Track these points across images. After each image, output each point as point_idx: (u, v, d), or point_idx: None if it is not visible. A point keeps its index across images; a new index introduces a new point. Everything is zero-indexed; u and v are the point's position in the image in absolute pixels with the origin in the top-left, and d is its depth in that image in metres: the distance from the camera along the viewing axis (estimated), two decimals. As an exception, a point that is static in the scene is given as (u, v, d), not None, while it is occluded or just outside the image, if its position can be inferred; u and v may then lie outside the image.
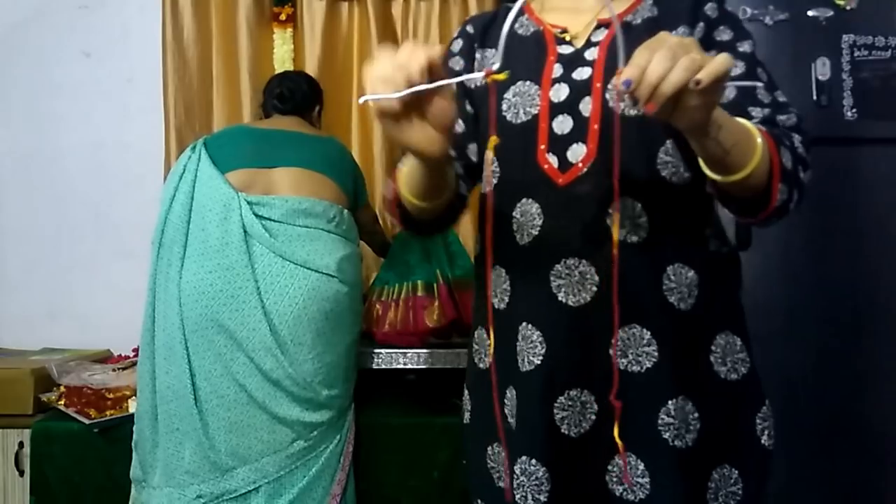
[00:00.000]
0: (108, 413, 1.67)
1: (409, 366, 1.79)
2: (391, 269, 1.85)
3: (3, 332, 2.22)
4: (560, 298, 0.87)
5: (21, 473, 1.74)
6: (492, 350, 0.94)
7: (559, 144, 0.88)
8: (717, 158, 0.75)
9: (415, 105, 0.68)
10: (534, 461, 0.88)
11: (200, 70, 2.23)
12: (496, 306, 0.94)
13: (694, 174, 0.85)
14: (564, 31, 0.95)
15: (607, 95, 0.87)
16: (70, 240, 2.26)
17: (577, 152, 0.87)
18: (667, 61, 0.62)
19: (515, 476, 0.89)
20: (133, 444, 1.53)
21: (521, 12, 1.02)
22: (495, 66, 0.70)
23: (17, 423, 1.75)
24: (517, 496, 0.88)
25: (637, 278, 0.85)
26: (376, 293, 1.85)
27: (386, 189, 0.98)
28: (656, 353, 0.85)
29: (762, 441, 0.90)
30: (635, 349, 0.86)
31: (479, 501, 0.97)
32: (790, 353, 1.75)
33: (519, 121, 0.91)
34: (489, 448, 0.94)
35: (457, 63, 1.02)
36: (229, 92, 2.22)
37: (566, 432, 0.87)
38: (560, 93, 0.90)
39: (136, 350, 2.06)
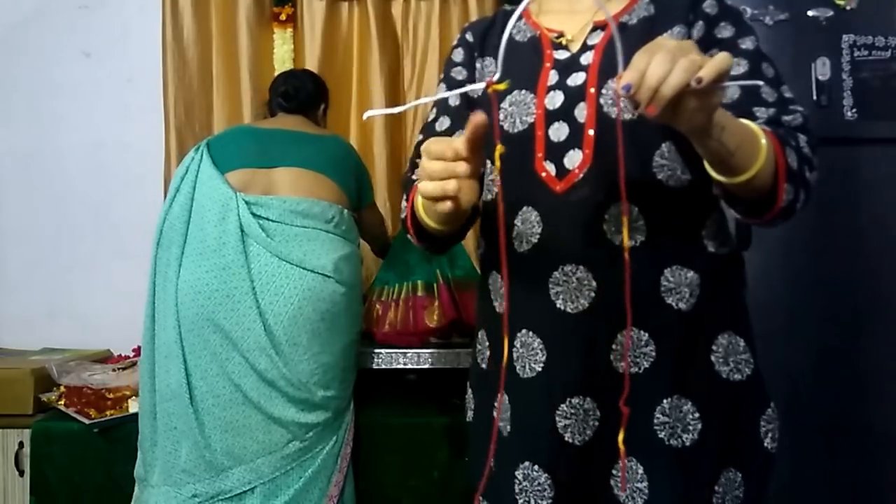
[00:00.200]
0: (108, 413, 1.67)
1: (409, 366, 1.78)
2: (391, 269, 1.85)
3: (3, 332, 2.22)
4: (559, 306, 0.87)
5: (21, 473, 1.74)
6: (488, 355, 0.95)
7: (556, 152, 0.88)
8: (722, 160, 0.75)
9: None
10: (536, 467, 0.88)
11: (200, 70, 2.23)
12: (497, 311, 0.95)
13: (692, 176, 0.85)
14: (561, 35, 0.95)
15: (601, 100, 0.87)
16: (70, 240, 2.26)
17: (574, 159, 0.87)
18: (666, 63, 0.62)
19: (518, 481, 0.89)
20: (138, 443, 1.53)
21: (492, 24, 1.03)
22: (496, 77, 0.71)
23: (17, 423, 1.75)
24: (520, 501, 0.88)
25: (635, 281, 0.83)
26: (376, 293, 1.85)
27: (402, 207, 1.00)
28: (654, 354, 0.85)
29: (765, 444, 0.89)
30: (634, 351, 0.86)
31: (482, 500, 0.97)
32: (791, 352, 1.75)
33: (516, 130, 0.91)
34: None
35: (459, 73, 1.02)
36: (229, 92, 2.22)
37: (570, 440, 0.87)
38: (555, 100, 0.90)
39: (136, 350, 2.06)
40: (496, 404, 0.92)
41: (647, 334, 0.86)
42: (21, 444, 1.74)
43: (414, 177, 1.01)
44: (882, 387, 1.80)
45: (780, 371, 1.53)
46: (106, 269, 2.25)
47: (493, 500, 0.94)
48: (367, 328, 1.77)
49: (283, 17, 2.23)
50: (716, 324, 0.88)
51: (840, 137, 1.78)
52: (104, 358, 2.05)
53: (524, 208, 0.90)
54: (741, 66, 0.87)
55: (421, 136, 1.04)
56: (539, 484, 0.88)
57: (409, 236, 1.01)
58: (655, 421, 0.85)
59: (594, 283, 0.86)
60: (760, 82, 0.78)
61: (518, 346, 0.90)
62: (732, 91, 0.86)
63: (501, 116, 0.92)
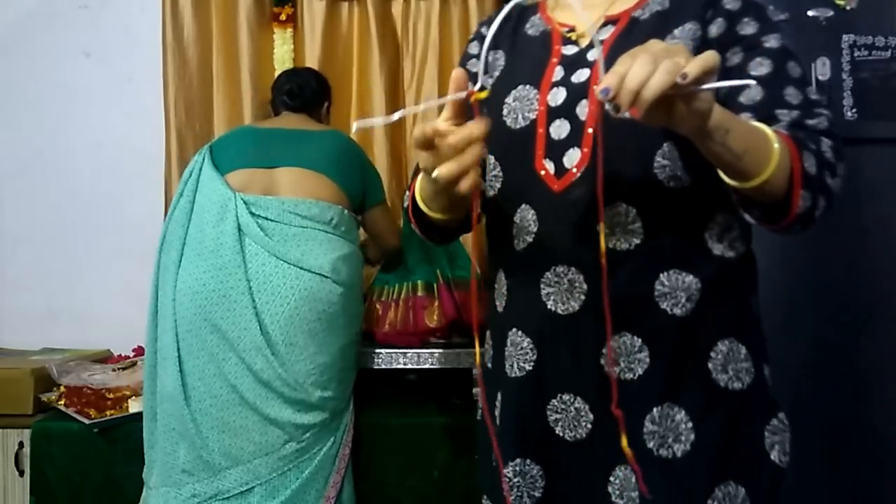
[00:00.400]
0: (108, 413, 1.67)
1: (409, 366, 1.78)
2: (391, 269, 1.86)
3: (3, 332, 2.22)
4: (549, 306, 0.86)
5: (21, 473, 1.74)
6: (478, 352, 0.94)
7: (556, 150, 0.87)
8: (729, 164, 0.73)
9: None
10: (528, 461, 0.88)
11: (200, 70, 2.23)
12: (498, 309, 0.94)
13: (694, 177, 0.82)
14: (572, 29, 0.92)
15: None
16: (70, 240, 2.26)
17: (573, 157, 0.85)
18: (647, 66, 0.61)
19: (508, 479, 0.88)
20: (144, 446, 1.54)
21: (508, 17, 1.02)
22: (477, 86, 0.70)
23: (17, 423, 1.75)
24: (512, 498, 0.88)
25: (627, 286, 0.83)
26: (376, 293, 1.85)
27: (405, 198, 0.99)
28: (648, 360, 0.83)
29: (772, 457, 0.85)
30: (627, 357, 0.83)
31: (486, 499, 0.97)
32: (791, 352, 1.75)
33: (518, 126, 0.90)
34: None
35: (473, 66, 1.00)
36: (229, 92, 2.22)
37: (561, 434, 0.86)
38: (558, 97, 0.88)
39: (136, 350, 2.07)
40: (496, 403, 0.92)
41: (640, 340, 0.83)
42: (21, 444, 1.74)
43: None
44: (883, 387, 1.80)
45: (779, 371, 1.53)
46: (106, 269, 2.25)
47: (491, 498, 0.94)
48: (367, 328, 1.77)
49: (283, 17, 2.23)
50: (716, 330, 0.85)
51: (840, 137, 1.78)
52: (104, 358, 2.05)
53: (522, 206, 0.89)
54: (764, 66, 0.83)
55: None
56: (531, 476, 0.88)
57: (412, 227, 0.99)
58: (644, 430, 0.83)
59: (585, 286, 0.84)
60: (752, 82, 0.72)
61: (509, 344, 0.90)
62: (754, 92, 0.82)
63: (505, 111, 0.91)
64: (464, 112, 0.71)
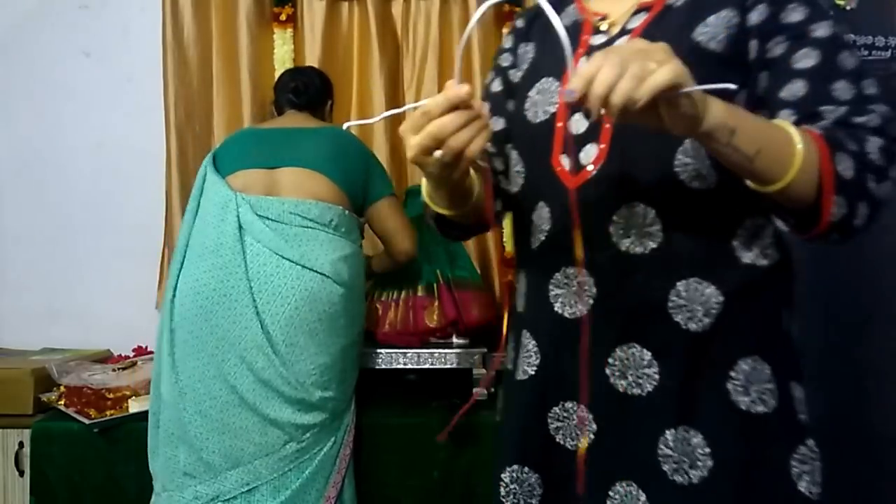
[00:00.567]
0: (108, 413, 1.67)
1: (409, 366, 1.78)
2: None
3: (3, 332, 2.22)
4: (556, 309, 0.83)
5: (21, 473, 1.74)
6: (513, 356, 0.92)
7: (574, 145, 0.83)
8: (740, 166, 0.68)
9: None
10: (526, 469, 0.86)
11: (200, 70, 2.22)
12: (517, 310, 0.92)
13: (721, 177, 0.76)
14: (604, 17, 0.87)
15: None
16: (70, 240, 2.26)
17: (590, 153, 0.81)
18: (615, 69, 0.58)
19: (504, 484, 0.87)
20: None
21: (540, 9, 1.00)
22: (454, 83, 0.68)
23: (17, 423, 1.74)
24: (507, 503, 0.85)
25: (638, 293, 0.78)
26: (376, 293, 1.85)
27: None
28: (657, 376, 0.77)
29: (800, 487, 0.78)
30: (635, 371, 0.78)
31: None
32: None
33: (538, 120, 0.87)
34: None
35: (505, 60, 0.98)
36: (229, 92, 2.22)
37: (562, 443, 0.84)
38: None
39: (136, 350, 2.07)
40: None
41: (649, 354, 0.78)
42: (21, 444, 1.74)
43: None
44: (882, 387, 1.80)
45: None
46: (106, 269, 2.24)
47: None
48: (368, 328, 1.76)
49: (283, 17, 2.22)
50: (737, 347, 0.78)
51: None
52: (104, 358, 2.05)
53: (539, 203, 0.86)
54: (811, 58, 0.75)
55: None
56: (529, 484, 0.86)
57: (430, 223, 0.98)
58: (659, 453, 0.77)
59: (595, 290, 0.80)
60: (731, 86, 0.63)
61: (521, 346, 0.89)
62: (797, 87, 0.74)
63: (527, 105, 0.88)
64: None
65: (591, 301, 0.80)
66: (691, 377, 0.77)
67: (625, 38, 0.82)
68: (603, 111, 0.61)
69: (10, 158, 2.27)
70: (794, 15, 0.77)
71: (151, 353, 2.05)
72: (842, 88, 0.74)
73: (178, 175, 2.20)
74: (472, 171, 0.86)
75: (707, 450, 0.76)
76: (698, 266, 0.77)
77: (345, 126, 0.74)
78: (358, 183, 1.64)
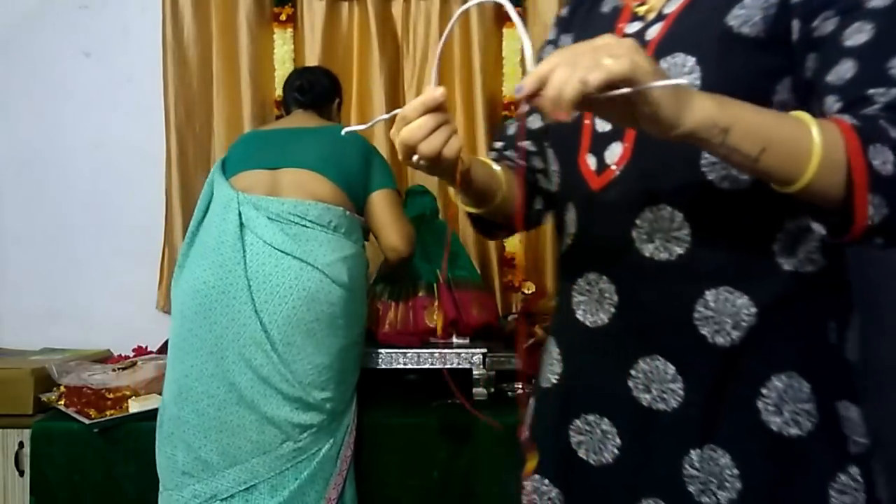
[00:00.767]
0: (108, 413, 1.67)
1: (409, 366, 1.78)
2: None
3: (3, 332, 2.22)
4: (577, 316, 0.80)
5: (21, 473, 1.74)
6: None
7: (599, 144, 0.78)
8: (743, 167, 0.63)
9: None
10: (546, 481, 0.83)
11: (200, 70, 2.23)
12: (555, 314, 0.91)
13: (755, 177, 0.69)
14: (643, 3, 0.81)
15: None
16: (70, 240, 2.26)
17: (615, 152, 0.77)
18: (566, 68, 0.55)
19: (527, 493, 0.84)
20: None
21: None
22: (432, 86, 0.67)
23: (17, 423, 1.74)
24: None
25: (662, 303, 0.73)
26: (377, 293, 1.85)
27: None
28: (682, 392, 0.72)
29: None
30: (659, 385, 0.73)
31: None
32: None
33: (539, 125, 0.85)
34: None
35: (548, 52, 0.91)
36: (229, 92, 2.22)
37: (584, 458, 0.80)
38: None
39: (136, 350, 2.07)
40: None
41: (673, 368, 0.73)
42: (21, 444, 1.74)
43: (498, 144, 0.97)
44: (882, 387, 1.80)
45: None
46: (106, 269, 2.25)
47: None
48: (368, 328, 1.76)
49: (283, 17, 2.23)
50: (772, 362, 0.71)
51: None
52: (104, 358, 2.05)
53: (567, 204, 0.83)
54: (864, 33, 0.65)
55: (508, 122, 1.00)
56: (549, 499, 0.83)
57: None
58: (684, 473, 0.73)
59: (616, 298, 0.76)
60: (682, 81, 0.58)
61: (547, 352, 0.87)
62: (845, 69, 0.65)
63: None
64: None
65: (612, 310, 0.76)
66: (718, 394, 0.72)
67: (660, 25, 0.76)
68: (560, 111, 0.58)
69: (10, 158, 2.27)
70: None
71: (151, 353, 2.05)
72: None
73: (177, 175, 2.21)
74: (496, 169, 0.85)
75: (736, 471, 0.71)
76: (730, 274, 0.71)
77: (343, 132, 0.74)
78: (358, 181, 1.63)
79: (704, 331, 0.71)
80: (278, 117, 2.21)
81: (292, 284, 1.45)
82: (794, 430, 0.70)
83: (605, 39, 0.58)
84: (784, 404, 0.70)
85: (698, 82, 0.69)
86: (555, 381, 0.84)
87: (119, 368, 1.84)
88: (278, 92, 2.22)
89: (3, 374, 1.81)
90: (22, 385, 1.78)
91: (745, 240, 0.71)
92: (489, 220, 0.90)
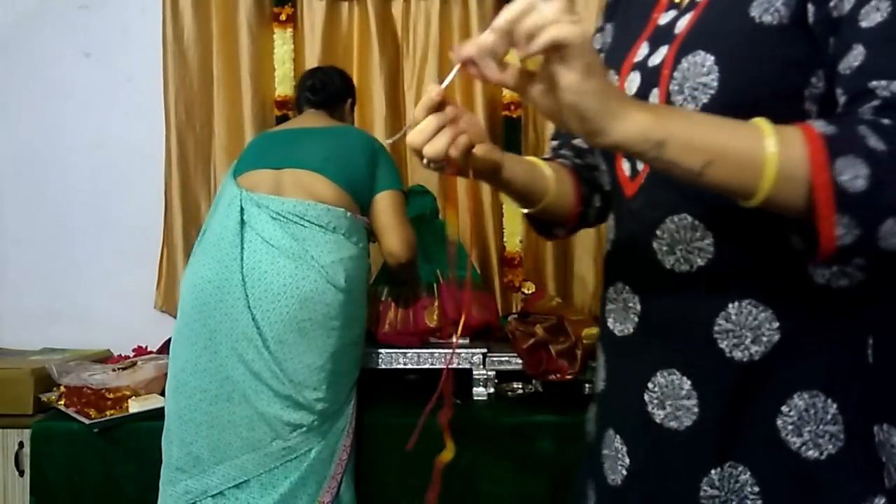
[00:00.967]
0: (108, 413, 1.67)
1: (409, 366, 1.78)
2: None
3: (3, 332, 2.22)
4: (609, 324, 0.78)
5: (21, 473, 1.74)
6: None
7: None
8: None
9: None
10: (589, 490, 0.83)
11: (200, 70, 2.23)
12: None
13: None
14: None
15: (672, 84, 0.68)
16: (70, 240, 2.26)
17: None
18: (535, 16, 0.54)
19: (575, 497, 0.85)
20: None
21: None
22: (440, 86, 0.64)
23: (17, 423, 1.74)
24: None
25: (681, 316, 0.70)
26: (377, 293, 1.85)
27: None
28: (697, 410, 0.69)
29: None
30: (674, 401, 0.70)
31: None
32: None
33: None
34: None
35: (598, 42, 0.89)
36: (229, 92, 2.22)
37: (605, 476, 0.78)
38: (632, 85, 0.74)
39: (136, 350, 2.07)
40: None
41: (689, 383, 0.69)
42: (21, 444, 1.74)
43: (554, 143, 0.95)
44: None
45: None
46: (106, 269, 2.25)
47: None
48: (368, 328, 1.76)
49: (283, 17, 2.23)
50: (795, 379, 0.66)
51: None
52: (104, 358, 2.05)
53: (612, 208, 0.82)
54: (880, 12, 0.58)
55: None
56: None
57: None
58: (702, 494, 0.68)
59: (639, 308, 0.73)
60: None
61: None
62: (853, 56, 0.59)
63: None
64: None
65: (636, 319, 0.74)
66: (736, 410, 0.67)
67: (689, 15, 0.71)
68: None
69: (10, 158, 2.27)
70: None
71: (151, 353, 2.05)
72: (889, 64, 0.57)
73: (177, 175, 2.21)
74: (545, 169, 0.82)
75: (756, 488, 0.66)
76: (756, 286, 0.66)
77: (387, 142, 0.73)
78: (363, 182, 1.62)
79: (723, 345, 0.67)
80: (279, 117, 2.21)
81: (287, 283, 1.45)
82: (812, 453, 0.65)
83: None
84: (804, 425, 0.65)
85: (716, 84, 0.65)
86: (601, 387, 0.82)
87: (119, 368, 1.84)
88: (278, 92, 2.23)
89: (3, 374, 1.81)
90: (22, 385, 1.78)
91: (771, 251, 0.66)
92: (545, 220, 0.88)
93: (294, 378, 1.44)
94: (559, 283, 2.24)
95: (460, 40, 2.22)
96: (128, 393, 1.73)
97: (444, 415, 0.75)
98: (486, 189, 2.24)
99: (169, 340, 1.63)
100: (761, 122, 0.57)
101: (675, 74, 0.68)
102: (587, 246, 2.23)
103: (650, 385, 0.71)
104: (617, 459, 0.75)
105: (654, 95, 0.71)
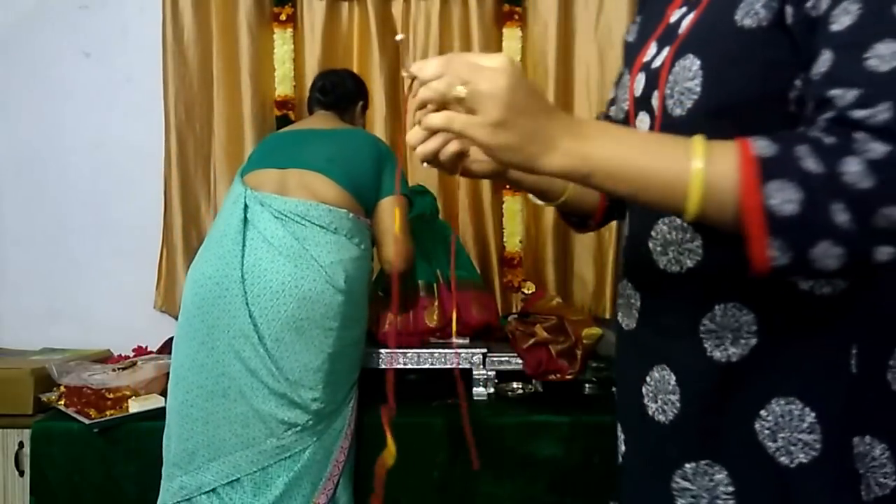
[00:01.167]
0: (108, 413, 1.67)
1: (409, 366, 1.78)
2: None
3: (3, 332, 2.22)
4: (619, 318, 0.82)
5: (21, 473, 1.74)
6: None
7: None
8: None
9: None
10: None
11: (200, 70, 2.23)
12: None
13: None
14: None
15: (667, 88, 0.69)
16: (70, 240, 2.26)
17: None
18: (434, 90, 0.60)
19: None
20: None
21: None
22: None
23: (17, 423, 1.74)
24: None
25: (671, 314, 0.73)
26: (377, 293, 1.85)
27: None
28: (678, 405, 0.71)
29: None
30: (663, 395, 0.73)
31: None
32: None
33: (619, 118, 0.83)
34: None
35: (630, 34, 0.88)
36: (229, 92, 2.22)
37: (620, 460, 0.83)
38: (639, 85, 0.76)
39: (136, 350, 2.07)
40: None
41: (675, 378, 0.72)
42: (21, 444, 1.74)
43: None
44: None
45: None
46: (106, 269, 2.25)
47: None
48: (368, 328, 1.76)
49: (283, 17, 2.22)
50: (773, 384, 0.66)
51: None
52: (104, 358, 2.05)
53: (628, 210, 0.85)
54: (849, 14, 0.56)
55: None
56: None
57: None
58: (674, 486, 0.70)
59: (639, 305, 0.77)
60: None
61: None
62: (823, 61, 0.57)
63: (618, 98, 0.84)
64: None
65: (637, 315, 0.78)
66: (716, 409, 0.69)
67: (692, 15, 0.70)
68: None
69: (9, 158, 2.27)
70: None
71: (151, 353, 2.05)
72: (880, 57, 0.53)
73: (177, 175, 2.21)
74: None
75: (731, 488, 0.67)
76: (741, 289, 0.67)
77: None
78: (368, 185, 1.62)
79: (707, 344, 0.69)
80: (279, 117, 2.21)
81: (286, 282, 1.45)
82: (783, 459, 0.65)
83: (486, 67, 0.57)
84: (780, 431, 0.65)
85: (699, 89, 0.66)
86: (615, 377, 0.86)
87: (119, 368, 1.84)
88: (278, 92, 2.23)
89: (3, 374, 1.81)
90: (22, 385, 1.78)
91: None
92: (572, 214, 0.91)
93: (290, 376, 1.44)
94: (559, 283, 2.24)
95: (460, 40, 2.22)
96: (128, 393, 1.73)
97: (385, 414, 0.77)
98: (486, 189, 2.24)
99: (169, 340, 1.63)
100: (695, 142, 0.57)
101: (670, 78, 0.69)
102: (587, 246, 2.23)
103: (647, 379, 0.75)
104: (618, 447, 0.80)
105: (655, 98, 0.72)
